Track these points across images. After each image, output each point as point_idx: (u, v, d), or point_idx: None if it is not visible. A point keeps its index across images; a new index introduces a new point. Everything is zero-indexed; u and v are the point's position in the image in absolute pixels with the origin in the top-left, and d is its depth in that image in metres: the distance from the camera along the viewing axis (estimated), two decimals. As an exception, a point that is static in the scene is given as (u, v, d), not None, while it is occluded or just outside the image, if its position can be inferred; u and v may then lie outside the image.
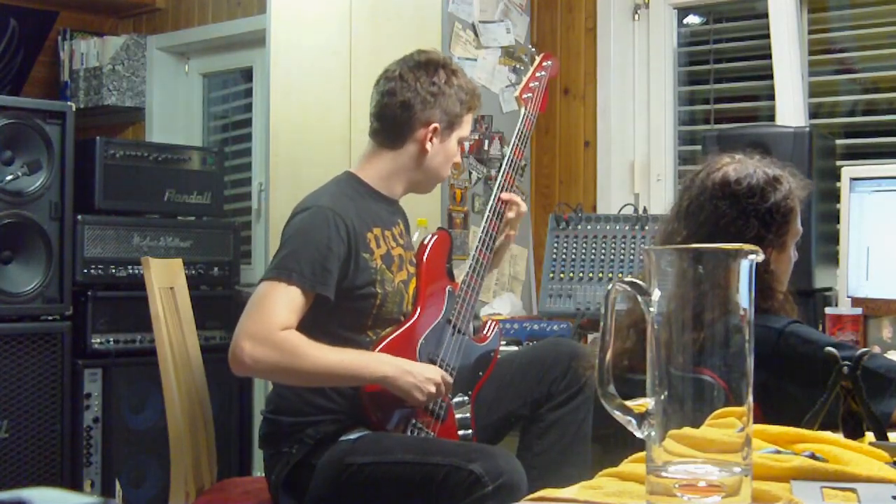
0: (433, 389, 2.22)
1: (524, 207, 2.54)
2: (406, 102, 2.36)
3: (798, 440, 1.16)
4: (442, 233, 2.52)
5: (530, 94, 2.65)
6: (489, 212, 2.49)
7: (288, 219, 2.32)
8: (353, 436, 2.24)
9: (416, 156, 2.38)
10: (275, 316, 2.15)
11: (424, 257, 2.43)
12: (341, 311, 2.26)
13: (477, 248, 2.46)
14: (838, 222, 2.83)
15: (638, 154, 3.67)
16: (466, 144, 2.51)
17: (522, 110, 2.63)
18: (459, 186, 3.36)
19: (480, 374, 2.46)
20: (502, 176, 2.51)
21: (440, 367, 2.34)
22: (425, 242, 2.46)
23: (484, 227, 2.47)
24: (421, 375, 2.22)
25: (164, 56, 4.80)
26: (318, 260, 2.20)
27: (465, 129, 2.44)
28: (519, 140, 2.56)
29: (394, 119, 2.38)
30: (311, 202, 2.31)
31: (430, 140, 2.37)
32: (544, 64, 2.74)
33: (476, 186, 3.43)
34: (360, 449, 2.20)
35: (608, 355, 0.93)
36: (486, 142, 3.44)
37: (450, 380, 2.28)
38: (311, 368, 2.17)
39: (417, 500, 2.14)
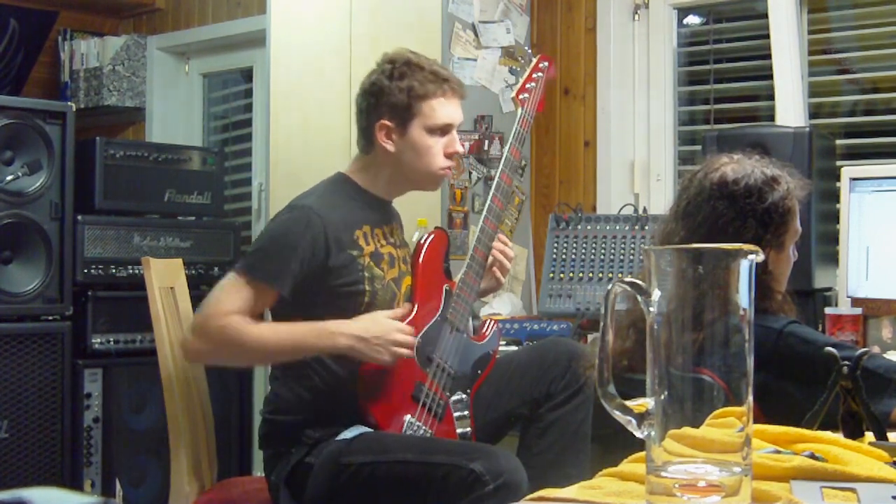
0: (395, 349, 2.23)
1: (511, 253, 2.53)
2: (359, 110, 2.41)
3: (798, 440, 1.16)
4: (439, 232, 2.52)
5: (527, 95, 2.65)
6: (487, 211, 2.49)
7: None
8: (350, 435, 2.24)
9: (384, 157, 2.38)
10: (222, 304, 2.23)
11: (421, 256, 2.43)
12: (331, 309, 2.27)
13: (474, 246, 2.46)
14: (838, 222, 2.83)
15: (638, 154, 3.67)
16: (458, 135, 2.45)
17: (519, 110, 2.63)
18: (459, 186, 3.36)
19: (479, 372, 2.46)
20: (499, 176, 2.51)
21: (438, 364, 2.35)
22: (422, 241, 2.46)
23: (481, 227, 2.47)
24: (374, 339, 2.21)
25: (164, 56, 4.80)
26: (282, 258, 2.23)
27: (428, 116, 2.34)
28: (515, 140, 2.56)
29: (358, 127, 2.42)
30: (296, 202, 2.34)
31: (390, 138, 2.36)
32: (540, 66, 2.74)
33: (476, 186, 3.43)
34: (359, 448, 2.20)
35: (608, 355, 0.93)
36: (486, 142, 3.44)
37: (409, 329, 2.26)
38: (255, 345, 2.23)
39: (417, 500, 2.14)
